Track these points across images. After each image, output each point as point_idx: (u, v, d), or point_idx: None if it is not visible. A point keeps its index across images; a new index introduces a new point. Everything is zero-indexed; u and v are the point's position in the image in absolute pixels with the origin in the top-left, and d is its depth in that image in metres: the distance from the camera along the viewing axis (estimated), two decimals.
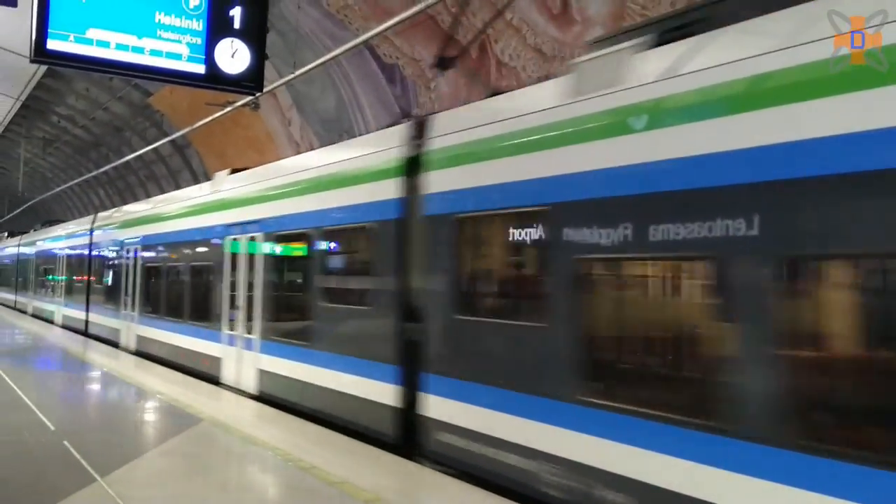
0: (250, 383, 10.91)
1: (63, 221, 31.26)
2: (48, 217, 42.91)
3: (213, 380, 12.02)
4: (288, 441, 7.95)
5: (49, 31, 6.26)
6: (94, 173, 32.61)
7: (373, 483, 6.29)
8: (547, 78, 12.43)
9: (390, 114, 16.61)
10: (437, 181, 7.31)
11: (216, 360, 12.11)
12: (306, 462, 7.03)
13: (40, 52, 6.30)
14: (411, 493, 6.62)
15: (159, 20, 6.54)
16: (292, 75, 13.73)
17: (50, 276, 26.95)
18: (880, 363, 4.23)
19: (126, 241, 17.74)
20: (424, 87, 15.35)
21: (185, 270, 14.20)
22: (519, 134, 6.41)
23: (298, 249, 10.08)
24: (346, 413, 8.59)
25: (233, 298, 11.73)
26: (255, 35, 6.94)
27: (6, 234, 42.29)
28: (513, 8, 12.58)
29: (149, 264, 16.15)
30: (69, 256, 23.83)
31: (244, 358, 11.20)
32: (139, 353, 15.90)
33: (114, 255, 18.80)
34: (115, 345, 17.63)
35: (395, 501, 5.97)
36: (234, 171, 13.16)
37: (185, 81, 7.05)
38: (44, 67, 24.08)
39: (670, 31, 5.54)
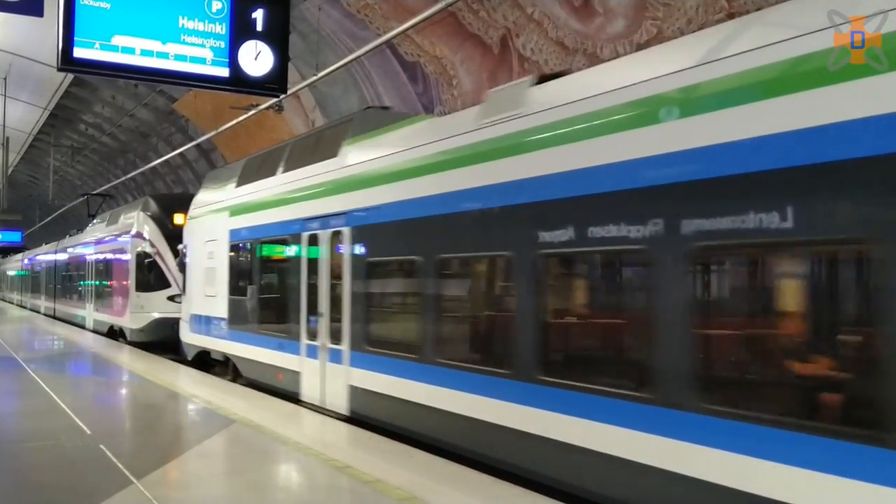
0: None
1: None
2: (79, 224, 43.41)
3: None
4: (321, 441, 7.97)
5: (75, 39, 6.34)
6: (121, 179, 32.97)
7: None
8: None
9: (413, 112, 16.60)
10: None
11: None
12: (340, 461, 7.05)
13: (67, 60, 6.37)
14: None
15: (183, 25, 6.59)
16: (315, 77, 13.78)
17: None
18: None
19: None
20: (447, 85, 15.32)
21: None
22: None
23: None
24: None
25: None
26: (277, 37, 6.98)
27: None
28: (534, 2, 12.51)
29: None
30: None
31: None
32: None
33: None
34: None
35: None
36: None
37: (210, 85, 7.11)
38: (70, 76, 24.44)
39: None
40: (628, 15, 11.33)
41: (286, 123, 21.16)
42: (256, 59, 6.82)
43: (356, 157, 9.57)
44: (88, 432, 8.42)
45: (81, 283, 26.55)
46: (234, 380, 12.71)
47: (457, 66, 14.87)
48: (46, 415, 9.42)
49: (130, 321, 19.37)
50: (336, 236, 9.68)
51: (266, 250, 11.98)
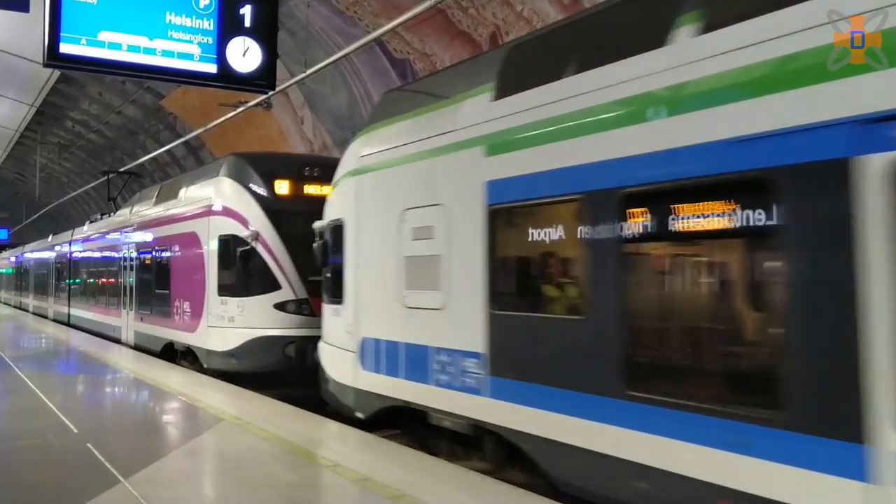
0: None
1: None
2: (66, 222, 43.13)
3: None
4: (310, 439, 7.95)
5: (61, 34, 6.30)
6: (109, 176, 32.77)
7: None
8: None
9: None
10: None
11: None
12: (329, 460, 7.03)
13: (53, 56, 6.33)
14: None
15: (170, 21, 6.56)
16: (304, 74, 13.73)
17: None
18: None
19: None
20: None
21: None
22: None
23: None
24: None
25: None
26: (266, 33, 6.95)
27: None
28: None
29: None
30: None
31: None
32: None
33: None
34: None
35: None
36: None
37: (198, 81, 7.09)
38: (57, 73, 24.29)
39: None
40: None
41: (275, 121, 21.09)
42: (244, 55, 6.80)
43: None
44: (76, 431, 8.37)
45: (112, 281, 19.83)
46: (492, 472, 6.82)
47: (446, 64, 14.85)
48: (33, 413, 9.35)
49: (209, 339, 13.06)
50: None
51: (649, 213, 5.42)
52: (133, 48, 6.48)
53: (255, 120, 21.16)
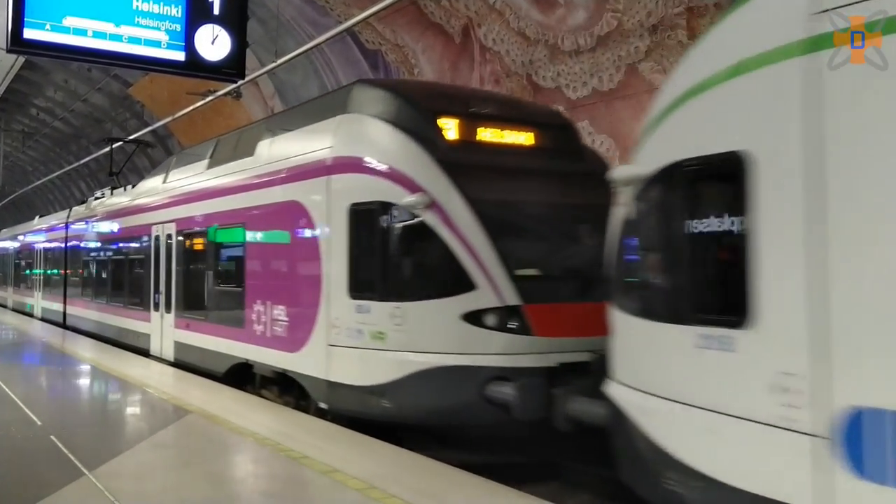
0: None
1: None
2: (30, 210, 42.40)
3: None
4: (278, 431, 7.91)
5: (25, 19, 6.19)
6: (74, 165, 32.28)
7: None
8: (531, 63, 12.40)
9: None
10: None
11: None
12: (297, 452, 7.00)
13: (17, 41, 6.22)
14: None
15: (137, 7, 6.46)
16: (274, 63, 13.62)
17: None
18: None
19: None
20: (408, 73, 15.26)
21: None
22: None
23: None
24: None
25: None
26: (235, 21, 6.88)
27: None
28: None
29: None
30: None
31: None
32: None
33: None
34: None
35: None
36: None
37: (165, 69, 7.00)
38: (22, 59, 23.81)
39: None
40: (589, 6, 11.39)
41: (245, 110, 20.90)
42: (213, 43, 6.72)
43: None
44: (39, 423, 8.23)
45: (136, 272, 15.26)
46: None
47: (418, 55, 14.82)
48: None
49: (331, 366, 8.35)
50: None
51: None
52: (99, 34, 6.37)
53: (224, 109, 20.95)
